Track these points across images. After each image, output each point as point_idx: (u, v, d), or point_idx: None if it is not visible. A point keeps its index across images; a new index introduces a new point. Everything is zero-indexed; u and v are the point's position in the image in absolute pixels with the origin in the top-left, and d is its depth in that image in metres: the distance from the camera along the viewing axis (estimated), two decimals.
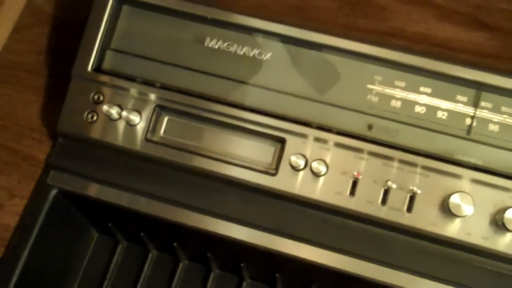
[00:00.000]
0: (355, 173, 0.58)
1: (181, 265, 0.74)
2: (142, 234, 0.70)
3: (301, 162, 0.59)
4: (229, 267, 0.73)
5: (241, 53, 0.62)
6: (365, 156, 0.59)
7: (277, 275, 0.68)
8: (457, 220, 0.56)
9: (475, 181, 0.57)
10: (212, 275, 0.73)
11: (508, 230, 0.54)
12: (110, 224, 0.71)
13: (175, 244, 0.70)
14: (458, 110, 0.59)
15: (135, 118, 0.61)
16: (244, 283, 0.73)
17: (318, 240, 0.60)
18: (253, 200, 0.62)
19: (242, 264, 0.69)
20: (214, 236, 0.61)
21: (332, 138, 0.60)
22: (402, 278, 0.58)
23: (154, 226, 0.67)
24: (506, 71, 0.61)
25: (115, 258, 0.75)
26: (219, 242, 0.62)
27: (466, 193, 0.55)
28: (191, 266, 0.74)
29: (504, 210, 0.54)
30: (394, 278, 0.58)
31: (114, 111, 0.61)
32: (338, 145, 0.60)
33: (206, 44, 0.62)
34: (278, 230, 0.61)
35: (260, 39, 0.61)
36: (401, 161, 0.59)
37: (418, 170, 0.59)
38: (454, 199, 0.55)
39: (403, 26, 0.63)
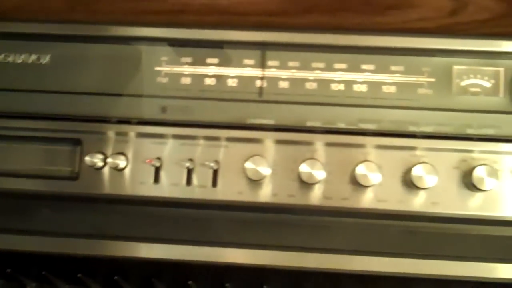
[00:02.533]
0: (147, 160, 0.55)
1: None
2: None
3: (96, 160, 0.56)
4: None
5: (20, 61, 0.59)
6: (166, 140, 0.57)
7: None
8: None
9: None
10: None
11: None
12: None
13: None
14: (247, 74, 0.57)
15: None
16: None
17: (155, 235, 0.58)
18: (63, 208, 0.59)
19: None
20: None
21: (132, 129, 0.58)
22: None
23: None
24: (295, 26, 0.60)
25: None
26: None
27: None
28: None
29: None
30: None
31: None
32: (139, 135, 0.57)
33: None
34: (98, 234, 0.58)
35: (36, 43, 0.59)
36: (205, 138, 0.57)
37: (223, 143, 0.56)
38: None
39: (187, 0, 0.62)
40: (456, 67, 0.57)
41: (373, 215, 0.56)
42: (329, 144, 0.56)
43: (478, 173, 0.53)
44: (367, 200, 0.55)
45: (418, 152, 0.55)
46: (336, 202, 0.55)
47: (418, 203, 0.55)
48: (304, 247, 0.55)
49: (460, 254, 0.56)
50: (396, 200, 0.55)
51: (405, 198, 0.55)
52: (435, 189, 0.54)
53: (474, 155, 0.55)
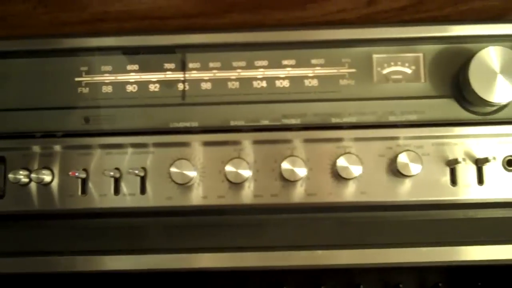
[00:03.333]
0: (70, 173, 0.54)
1: None
2: None
3: (20, 177, 0.55)
4: None
5: None
6: (92, 151, 0.56)
7: None
8: None
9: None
10: None
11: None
12: None
13: None
14: (168, 78, 0.57)
15: None
16: None
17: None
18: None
19: None
20: None
21: (57, 142, 0.57)
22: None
23: None
24: (216, 27, 0.59)
25: None
26: None
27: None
28: None
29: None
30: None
31: None
32: (64, 147, 0.56)
33: None
34: (29, 251, 0.57)
35: None
36: (131, 145, 0.56)
37: (150, 149, 0.56)
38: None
39: (105, 8, 0.61)
40: (376, 56, 0.57)
41: (307, 209, 0.56)
42: (255, 142, 0.55)
43: (402, 160, 0.53)
44: (296, 194, 0.54)
45: (344, 143, 0.55)
46: (266, 199, 0.55)
47: (347, 193, 0.55)
48: (224, 247, 0.55)
49: (396, 241, 0.56)
50: (326, 193, 0.55)
51: (335, 190, 0.55)
52: (362, 179, 0.54)
53: (399, 141, 0.55)
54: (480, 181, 0.55)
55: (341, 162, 0.53)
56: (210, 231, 0.56)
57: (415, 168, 0.53)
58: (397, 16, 0.61)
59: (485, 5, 0.61)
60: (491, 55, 0.52)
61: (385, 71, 0.57)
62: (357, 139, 0.55)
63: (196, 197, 0.55)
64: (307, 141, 0.56)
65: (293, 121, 0.55)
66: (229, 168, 0.53)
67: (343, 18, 0.61)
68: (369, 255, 0.56)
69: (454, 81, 0.56)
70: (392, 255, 0.56)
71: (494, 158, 0.53)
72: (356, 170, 0.53)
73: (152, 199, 0.55)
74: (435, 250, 0.55)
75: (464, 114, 0.56)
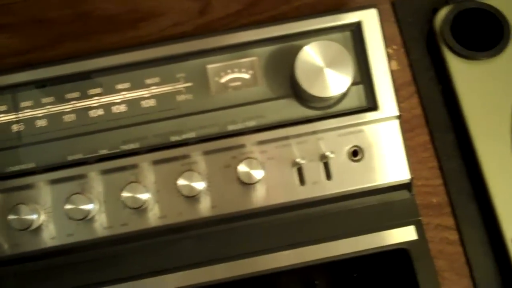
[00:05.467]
0: None
1: None
2: None
3: None
4: None
5: None
6: None
7: None
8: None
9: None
10: None
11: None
12: None
13: None
14: (1, 121, 0.55)
15: None
16: None
17: None
18: None
19: None
20: None
21: None
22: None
23: None
24: (49, 60, 0.58)
25: None
26: None
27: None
28: None
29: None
30: None
31: None
32: None
33: None
34: None
35: None
36: None
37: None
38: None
39: None
40: (210, 66, 0.56)
41: (161, 232, 0.55)
42: (102, 172, 0.54)
43: (242, 169, 0.52)
44: (147, 220, 0.53)
45: (189, 160, 0.54)
46: (116, 230, 0.53)
47: (198, 210, 0.54)
48: None
49: (259, 248, 0.56)
50: (176, 213, 0.54)
51: (184, 209, 0.54)
52: (210, 193, 0.54)
53: (243, 149, 0.54)
54: (328, 176, 0.54)
55: (181, 181, 0.52)
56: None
57: (257, 175, 0.52)
58: (235, 21, 0.61)
59: None
60: (313, 52, 0.52)
61: (223, 80, 0.56)
62: (203, 153, 0.55)
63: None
64: (154, 163, 0.54)
65: (132, 146, 0.54)
66: (70, 202, 0.52)
67: (182, 31, 0.60)
68: (236, 267, 0.55)
69: (290, 80, 0.55)
70: (256, 264, 0.55)
71: (332, 152, 0.53)
72: (199, 185, 0.52)
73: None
74: (295, 252, 0.55)
75: (306, 112, 0.56)
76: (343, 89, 0.52)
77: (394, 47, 0.61)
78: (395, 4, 0.63)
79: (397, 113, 0.55)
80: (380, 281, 0.62)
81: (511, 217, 0.54)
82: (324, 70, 0.52)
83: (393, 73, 0.59)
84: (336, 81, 0.52)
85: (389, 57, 0.60)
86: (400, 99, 0.60)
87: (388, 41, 0.60)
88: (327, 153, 0.54)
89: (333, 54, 0.52)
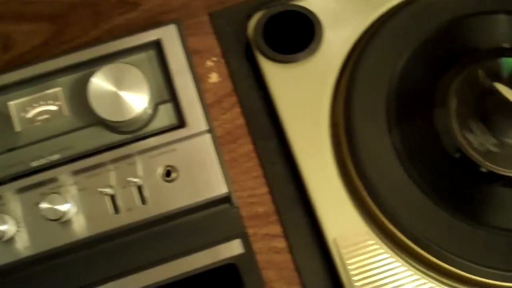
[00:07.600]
0: None
1: None
2: None
3: None
4: None
5: None
6: None
7: None
8: None
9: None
10: None
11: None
12: None
13: None
14: None
15: None
16: None
17: None
18: None
19: None
20: None
21: None
22: None
23: None
24: None
25: None
26: None
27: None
28: None
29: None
30: None
31: None
32: None
33: None
34: None
35: None
36: None
37: None
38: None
39: None
40: (12, 103, 0.54)
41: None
42: None
43: (43, 206, 0.50)
44: None
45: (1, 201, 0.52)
46: None
47: (13, 253, 0.52)
48: None
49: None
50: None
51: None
52: (20, 234, 0.52)
53: (53, 184, 0.53)
54: (143, 200, 0.53)
55: None
56: None
57: (63, 209, 0.51)
58: (45, 52, 0.59)
59: (126, 19, 0.60)
60: (104, 77, 0.51)
61: (29, 115, 0.54)
62: (12, 194, 0.52)
63: None
64: None
65: None
66: None
67: None
68: None
69: None
70: None
71: (144, 175, 0.52)
72: (8, 229, 0.50)
73: None
74: (121, 283, 0.53)
75: (115, 137, 0.54)
76: (139, 110, 0.51)
77: (214, 59, 0.60)
78: (212, 15, 0.62)
79: (207, 127, 0.54)
80: None
81: (332, 218, 0.53)
82: (119, 93, 0.51)
83: (214, 85, 0.58)
84: (132, 103, 0.51)
85: (210, 69, 0.59)
86: (222, 111, 0.59)
87: (207, 54, 0.60)
88: (137, 178, 0.52)
89: (125, 76, 0.51)
